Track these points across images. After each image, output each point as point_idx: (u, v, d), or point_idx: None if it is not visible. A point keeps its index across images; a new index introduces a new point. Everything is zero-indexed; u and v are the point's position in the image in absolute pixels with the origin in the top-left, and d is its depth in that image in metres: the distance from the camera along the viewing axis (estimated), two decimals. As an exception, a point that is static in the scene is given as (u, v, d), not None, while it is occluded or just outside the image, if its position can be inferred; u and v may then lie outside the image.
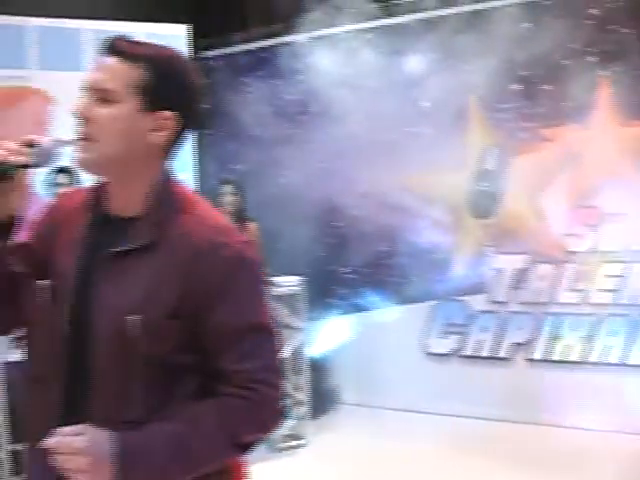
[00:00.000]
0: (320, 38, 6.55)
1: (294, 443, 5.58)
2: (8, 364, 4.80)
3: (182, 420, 1.63)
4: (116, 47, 1.67)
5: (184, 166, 5.67)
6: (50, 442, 1.57)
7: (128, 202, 1.71)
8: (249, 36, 7.14)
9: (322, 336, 6.60)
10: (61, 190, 3.89)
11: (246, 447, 1.69)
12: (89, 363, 1.66)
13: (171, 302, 1.63)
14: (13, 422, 4.84)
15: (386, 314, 6.61)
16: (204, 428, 1.63)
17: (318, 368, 6.20)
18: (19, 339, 4.92)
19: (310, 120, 6.52)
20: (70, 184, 4.55)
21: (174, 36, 5.80)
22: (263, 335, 1.69)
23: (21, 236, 1.74)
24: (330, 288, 6.69)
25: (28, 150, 1.67)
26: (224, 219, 1.76)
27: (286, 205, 6.22)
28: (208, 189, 5.81)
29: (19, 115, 5.62)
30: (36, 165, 1.70)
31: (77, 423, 1.60)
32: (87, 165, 1.68)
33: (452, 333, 6.42)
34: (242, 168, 6.61)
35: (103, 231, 1.72)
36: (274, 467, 4.77)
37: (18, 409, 4.88)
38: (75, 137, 1.67)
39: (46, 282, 1.71)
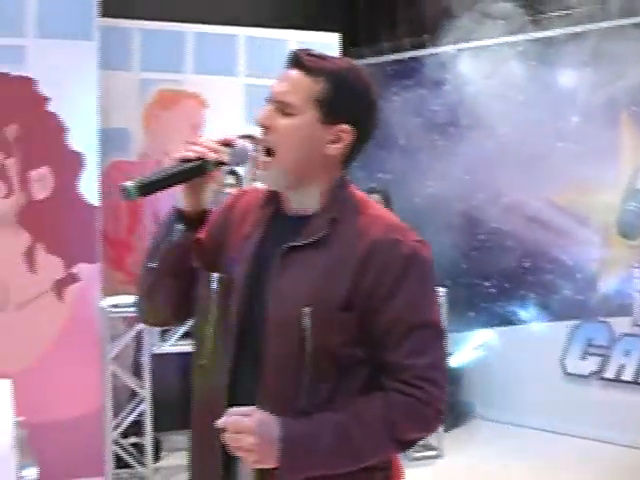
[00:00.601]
0: (469, 49, 6.52)
1: (427, 454, 5.55)
2: (156, 356, 4.98)
3: (347, 412, 1.66)
4: (299, 60, 1.74)
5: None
6: (220, 421, 1.65)
7: (303, 204, 1.78)
8: (398, 46, 7.16)
9: (460, 348, 6.56)
10: (229, 191, 4.03)
11: (407, 444, 1.72)
12: (259, 354, 1.71)
13: (343, 295, 1.67)
14: (156, 412, 5.01)
15: (526, 330, 6.47)
16: (368, 422, 1.66)
17: (454, 381, 6.14)
18: (167, 332, 5.07)
19: (457, 131, 6.48)
20: (238, 186, 4.69)
21: (326, 44, 5.85)
22: (433, 333, 1.72)
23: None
24: (471, 300, 6.61)
25: (225, 149, 1.76)
26: (397, 219, 1.80)
27: (430, 215, 6.18)
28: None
29: (175, 117, 5.81)
30: (232, 164, 1.79)
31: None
32: (268, 182, 1.78)
33: (593, 354, 6.23)
34: (388, 177, 6.63)
35: (277, 228, 1.79)
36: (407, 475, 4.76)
37: (162, 399, 5.07)
38: (257, 140, 1.76)
39: (218, 275, 1.78)
